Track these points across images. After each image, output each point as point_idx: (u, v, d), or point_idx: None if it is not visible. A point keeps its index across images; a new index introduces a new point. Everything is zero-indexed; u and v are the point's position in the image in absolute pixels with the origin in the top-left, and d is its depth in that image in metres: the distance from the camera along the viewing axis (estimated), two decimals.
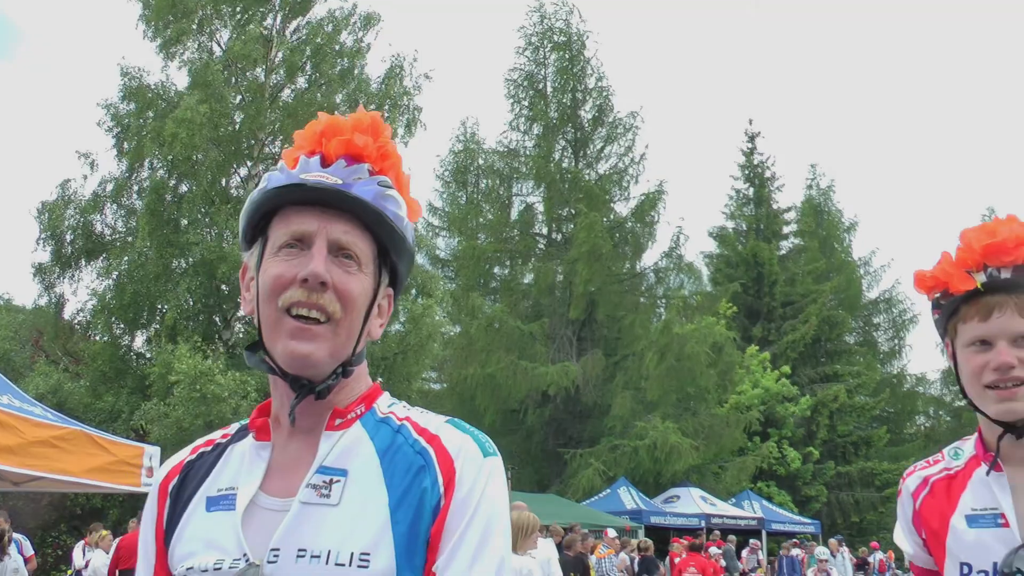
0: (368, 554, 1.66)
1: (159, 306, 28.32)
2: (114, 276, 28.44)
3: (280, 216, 1.80)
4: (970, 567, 2.40)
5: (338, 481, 1.74)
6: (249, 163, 29.77)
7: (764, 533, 35.02)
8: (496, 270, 40.89)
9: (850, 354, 54.67)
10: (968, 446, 2.59)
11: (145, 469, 12.14)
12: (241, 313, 29.63)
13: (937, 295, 2.50)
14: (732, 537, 31.08)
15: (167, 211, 27.71)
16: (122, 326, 29.21)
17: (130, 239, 29.70)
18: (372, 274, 1.82)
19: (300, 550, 1.67)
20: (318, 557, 1.66)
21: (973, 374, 2.40)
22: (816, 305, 49.90)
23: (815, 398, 46.01)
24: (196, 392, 22.68)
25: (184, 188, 28.54)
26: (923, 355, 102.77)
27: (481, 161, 41.06)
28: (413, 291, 30.22)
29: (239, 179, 30.04)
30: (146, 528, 1.90)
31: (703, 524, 31.15)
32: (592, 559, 19.58)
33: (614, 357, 36.95)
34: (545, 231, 40.72)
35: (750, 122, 62.07)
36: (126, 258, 28.06)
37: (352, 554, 1.66)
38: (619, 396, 34.82)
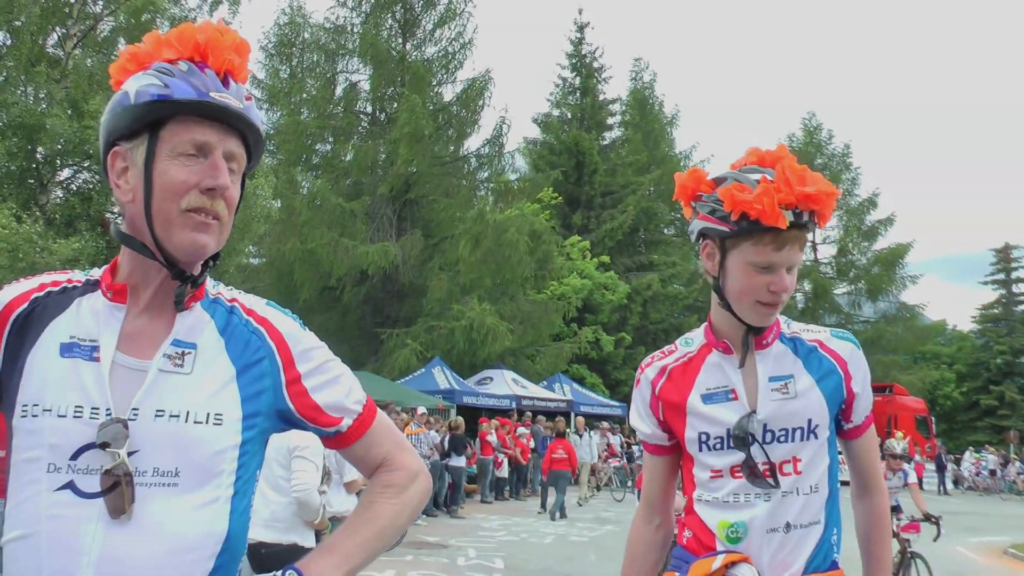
0: (221, 414, 1.97)
1: None
2: None
3: (179, 122, 1.97)
4: (708, 435, 2.89)
5: (189, 353, 2.00)
6: (70, 22, 28.64)
7: (573, 415, 36.02)
8: (318, 147, 40.29)
9: (667, 245, 56.10)
10: (698, 336, 3.06)
11: None
12: (60, 179, 28.86)
13: (728, 214, 2.78)
14: (541, 418, 31.94)
15: None
16: None
17: None
18: (238, 183, 2.07)
19: (159, 410, 1.92)
20: (177, 416, 1.92)
21: (751, 289, 2.80)
22: (635, 196, 50.91)
23: (630, 286, 47.12)
24: (20, 262, 21.88)
25: None
26: None
27: (307, 35, 40.22)
28: None
29: (56, 38, 28.91)
30: None
31: (514, 405, 31.88)
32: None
33: (433, 239, 37.08)
34: (369, 109, 40.24)
35: (580, 12, 62.42)
36: None
37: (208, 414, 1.95)
38: (436, 278, 35.04)
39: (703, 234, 2.91)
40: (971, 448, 50.30)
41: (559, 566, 15.06)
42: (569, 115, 55.42)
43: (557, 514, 22.76)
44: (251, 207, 27.53)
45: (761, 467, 2.82)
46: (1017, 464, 44.66)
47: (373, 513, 2.13)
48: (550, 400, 35.16)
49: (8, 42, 26.63)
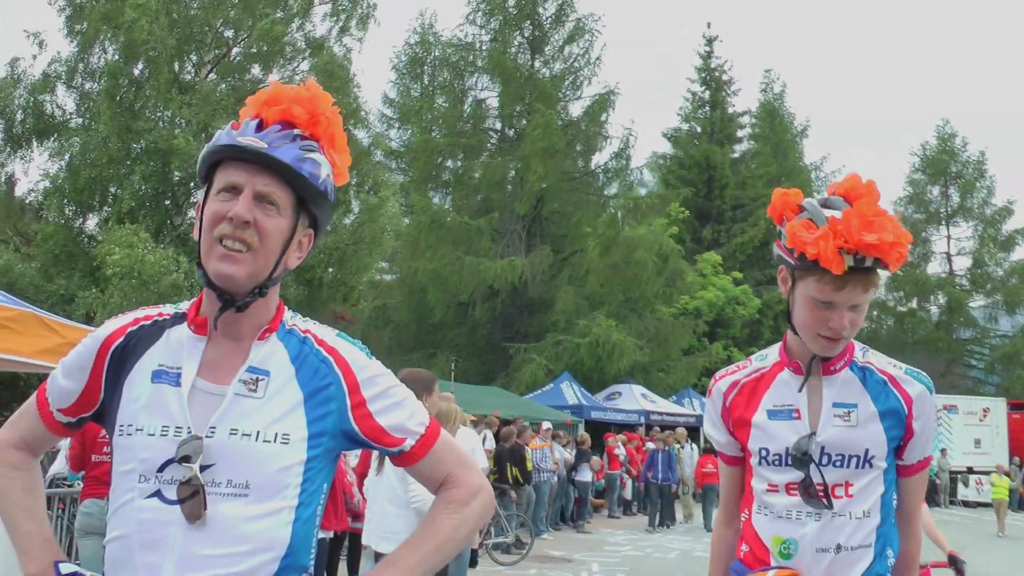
0: (288, 434, 2.24)
1: (112, 190, 28.35)
2: (66, 158, 28.34)
3: (222, 167, 2.29)
4: (768, 450, 3.08)
5: (263, 380, 2.28)
6: (203, 50, 29.67)
7: (702, 430, 35.87)
8: (449, 163, 40.87)
9: None
10: (773, 352, 3.24)
11: None
12: (193, 201, 29.92)
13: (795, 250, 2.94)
14: (668, 432, 31.91)
15: (124, 95, 27.58)
16: (74, 208, 29.10)
17: (81, 121, 29.63)
18: (290, 217, 2.31)
19: (232, 429, 2.21)
20: (248, 435, 2.21)
21: (812, 322, 2.98)
22: (766, 209, 50.27)
23: (761, 300, 46.71)
24: (134, 279, 22.74)
25: (138, 73, 28.34)
26: None
27: (437, 53, 40.83)
28: (368, 184, 30.50)
29: (191, 66, 29.93)
30: (73, 372, 2.38)
31: (642, 420, 31.85)
32: (528, 451, 20.23)
33: (562, 254, 37.35)
34: (498, 126, 40.63)
35: (708, 26, 62.14)
36: (77, 140, 27.98)
37: (276, 434, 2.23)
38: (563, 292, 35.26)
39: (779, 259, 3.09)
40: None
41: None
42: (699, 129, 55.07)
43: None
44: (376, 220, 28.21)
45: (816, 487, 2.98)
46: None
47: (435, 528, 2.36)
48: (679, 415, 34.95)
49: (146, 72, 27.64)
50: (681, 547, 20.31)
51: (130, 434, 2.25)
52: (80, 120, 29.96)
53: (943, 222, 59.52)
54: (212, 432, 2.21)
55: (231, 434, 2.21)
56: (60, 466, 13.40)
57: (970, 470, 37.48)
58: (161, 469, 2.19)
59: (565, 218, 38.23)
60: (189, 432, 2.20)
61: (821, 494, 2.98)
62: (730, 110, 55.84)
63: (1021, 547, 24.78)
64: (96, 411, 2.40)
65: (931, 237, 60.02)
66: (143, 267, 22.93)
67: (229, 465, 2.19)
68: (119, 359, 2.34)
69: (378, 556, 6.46)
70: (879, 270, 2.91)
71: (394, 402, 2.39)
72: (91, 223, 30.20)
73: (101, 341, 2.37)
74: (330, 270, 28.32)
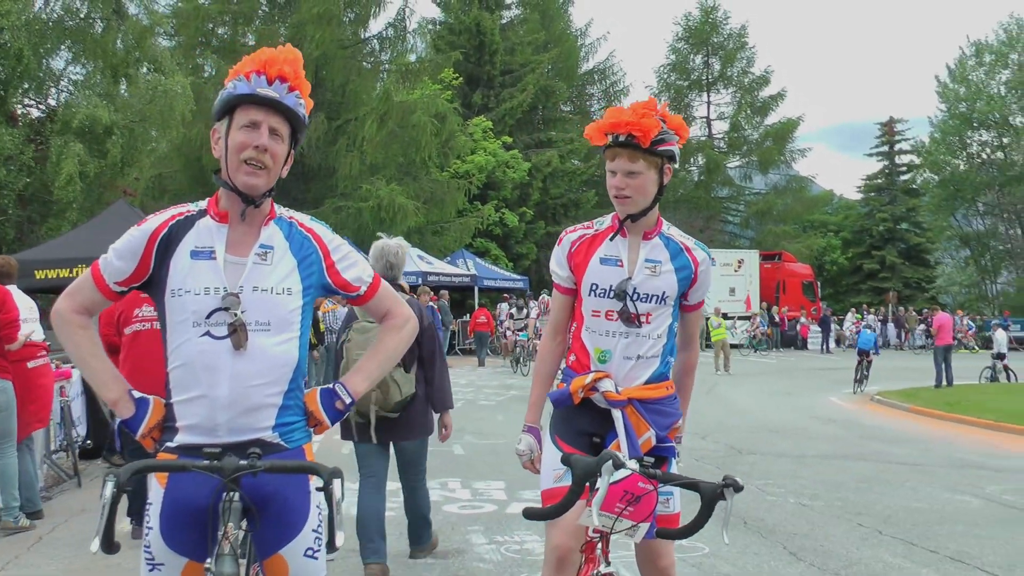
0: (290, 288, 3.24)
1: None
2: None
3: (242, 108, 3.22)
4: (597, 285, 4.30)
5: (269, 252, 3.26)
6: None
7: (476, 289, 37.41)
8: (219, 30, 40.24)
9: (564, 122, 57.17)
10: (607, 219, 4.46)
11: None
12: None
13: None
14: (444, 292, 33.20)
15: None
16: None
17: None
18: (287, 144, 3.31)
19: (255, 286, 3.18)
20: (266, 291, 3.19)
21: (609, 187, 4.31)
22: (534, 75, 51.58)
23: (530, 163, 48.25)
24: None
25: None
26: None
27: None
28: (145, 68, 30.14)
29: None
30: (125, 256, 3.24)
31: (420, 281, 32.63)
32: (319, 313, 21.00)
33: (337, 121, 37.66)
34: None
35: None
36: None
37: (284, 288, 3.23)
38: (344, 158, 35.82)
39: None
40: (853, 309, 52.98)
41: (469, 425, 16.49)
42: None
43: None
44: (165, 99, 27.98)
45: (631, 315, 4.19)
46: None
47: (383, 345, 3.56)
48: (455, 275, 36.44)
49: None
50: (466, 397, 21.56)
51: (181, 295, 3.17)
52: None
53: (704, 89, 62.42)
54: (241, 289, 3.17)
55: (254, 290, 3.18)
56: None
57: (724, 316, 40.36)
58: (208, 316, 3.14)
59: (340, 86, 38.44)
60: (226, 290, 3.16)
61: (635, 319, 4.21)
62: None
63: (750, 381, 27.39)
64: (144, 282, 3.28)
65: (693, 103, 63.00)
66: None
67: (255, 310, 3.17)
68: (165, 244, 3.23)
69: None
70: (638, 146, 4.09)
71: (352, 262, 3.46)
72: None
73: (150, 233, 3.25)
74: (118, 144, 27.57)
